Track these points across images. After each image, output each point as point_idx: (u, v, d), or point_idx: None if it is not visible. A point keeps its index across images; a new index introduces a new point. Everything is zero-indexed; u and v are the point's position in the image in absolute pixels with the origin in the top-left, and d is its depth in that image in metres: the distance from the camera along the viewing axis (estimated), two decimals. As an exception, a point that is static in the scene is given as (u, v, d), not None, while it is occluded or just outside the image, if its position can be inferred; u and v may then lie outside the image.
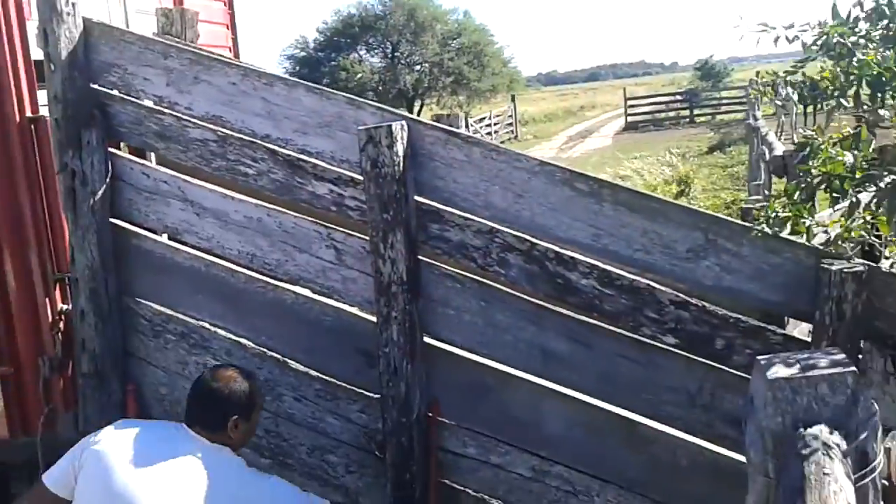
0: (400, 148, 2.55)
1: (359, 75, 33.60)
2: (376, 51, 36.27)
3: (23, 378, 3.19)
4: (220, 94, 2.83)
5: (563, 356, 2.60)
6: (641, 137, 26.15)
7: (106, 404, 2.99)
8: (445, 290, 2.68)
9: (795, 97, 2.49)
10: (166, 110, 2.91)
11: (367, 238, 2.67)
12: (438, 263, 2.69)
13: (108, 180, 2.94)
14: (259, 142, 2.81)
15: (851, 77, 2.17)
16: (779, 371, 1.41)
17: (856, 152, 2.22)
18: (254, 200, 2.88)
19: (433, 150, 2.61)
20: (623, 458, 2.62)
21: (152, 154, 3.18)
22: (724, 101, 31.93)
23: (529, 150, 21.20)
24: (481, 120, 29.02)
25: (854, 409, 1.38)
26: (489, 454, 2.74)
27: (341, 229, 2.78)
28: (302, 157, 2.76)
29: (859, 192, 2.28)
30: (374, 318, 2.71)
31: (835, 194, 2.29)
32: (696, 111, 31.38)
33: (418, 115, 20.15)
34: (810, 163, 2.30)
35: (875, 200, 2.26)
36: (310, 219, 2.81)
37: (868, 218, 2.36)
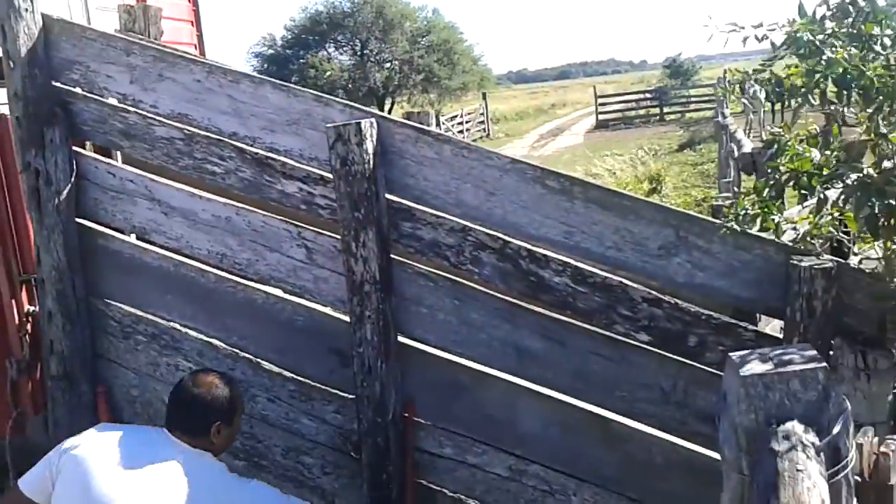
0: (370, 145, 2.53)
1: (328, 73, 33.37)
2: (345, 48, 35.99)
3: (-11, 381, 3.12)
4: (186, 91, 2.79)
5: (538, 354, 2.60)
6: (612, 135, 26.28)
7: (76, 407, 2.95)
8: (418, 289, 2.66)
9: (763, 95, 2.50)
10: (131, 108, 2.87)
11: (339, 237, 2.65)
12: (411, 262, 2.67)
13: (72, 179, 2.90)
14: (226, 140, 2.77)
15: (818, 75, 2.18)
16: (751, 367, 1.41)
17: (826, 151, 2.23)
18: (222, 199, 2.84)
19: (403, 147, 2.59)
20: (599, 456, 2.63)
21: (118, 153, 3.13)
22: (693, 99, 32.19)
23: (501, 147, 21.25)
24: (453, 118, 29.00)
25: (826, 405, 1.38)
26: (466, 454, 2.73)
27: (312, 228, 2.76)
28: (270, 155, 2.73)
29: (827, 188, 2.30)
30: (346, 318, 2.69)
31: (803, 191, 2.31)
32: (665, 109, 31.56)
33: (389, 113, 20.07)
34: (778, 160, 2.31)
35: (843, 197, 2.28)
36: (280, 217, 2.79)
37: (836, 214, 2.38)
